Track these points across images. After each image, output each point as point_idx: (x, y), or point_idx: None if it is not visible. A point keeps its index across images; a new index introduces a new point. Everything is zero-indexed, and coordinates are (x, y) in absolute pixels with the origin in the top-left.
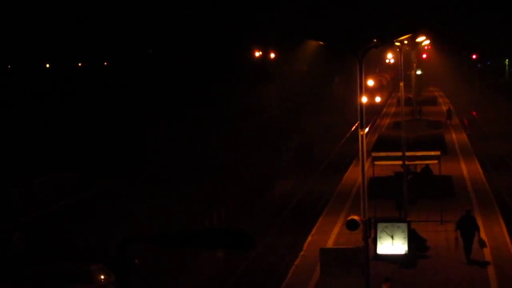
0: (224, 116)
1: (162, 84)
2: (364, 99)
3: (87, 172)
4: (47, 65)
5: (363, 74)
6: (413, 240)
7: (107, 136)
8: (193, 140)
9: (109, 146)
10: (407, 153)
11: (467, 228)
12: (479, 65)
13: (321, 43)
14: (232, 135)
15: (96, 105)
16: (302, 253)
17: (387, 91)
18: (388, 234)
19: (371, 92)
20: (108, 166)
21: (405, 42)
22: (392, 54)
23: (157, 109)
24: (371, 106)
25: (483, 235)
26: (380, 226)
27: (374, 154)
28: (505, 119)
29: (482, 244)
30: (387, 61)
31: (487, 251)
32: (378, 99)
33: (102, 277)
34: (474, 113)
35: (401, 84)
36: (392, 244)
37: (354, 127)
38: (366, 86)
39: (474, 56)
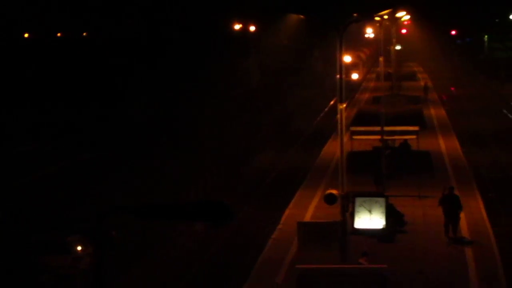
0: (203, 89)
1: (142, 56)
2: (356, 76)
3: (65, 143)
4: (26, 35)
5: (343, 48)
6: (391, 214)
7: (86, 109)
8: (171, 111)
9: (89, 119)
10: (386, 128)
11: (450, 206)
12: (458, 41)
13: (302, 16)
14: (211, 108)
15: (76, 76)
16: (279, 226)
17: (366, 67)
18: (366, 208)
19: (348, 69)
20: (86, 138)
21: (385, 17)
22: (372, 28)
23: (137, 81)
24: (348, 83)
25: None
26: (358, 200)
27: (352, 128)
28: (483, 95)
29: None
30: (366, 35)
31: (464, 226)
32: (355, 76)
33: (79, 248)
34: (452, 88)
35: (381, 59)
36: (370, 219)
37: (332, 101)
38: (343, 62)
39: (453, 32)
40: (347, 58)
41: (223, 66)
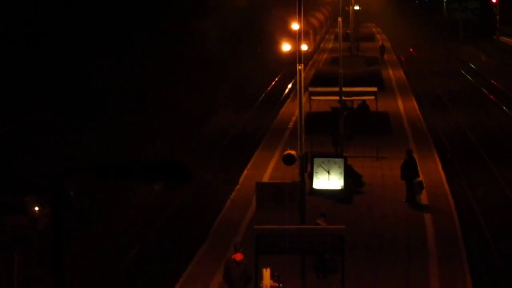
0: (160, 48)
1: (100, 17)
2: (287, 47)
3: (23, 103)
4: None
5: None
6: (349, 175)
7: (44, 69)
8: (128, 73)
9: (47, 79)
10: (344, 89)
11: (408, 171)
12: (417, 1)
13: None
14: (168, 68)
15: (32, 38)
16: (237, 187)
17: (325, 28)
18: (324, 169)
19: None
20: (44, 99)
21: None
22: None
23: (94, 43)
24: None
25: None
26: (316, 161)
27: (311, 89)
28: (442, 56)
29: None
30: None
31: None
32: (305, 48)
33: (36, 208)
34: (411, 49)
35: (339, 19)
36: (328, 180)
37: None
38: (291, 31)
39: None
40: (295, 26)
41: (180, 26)
